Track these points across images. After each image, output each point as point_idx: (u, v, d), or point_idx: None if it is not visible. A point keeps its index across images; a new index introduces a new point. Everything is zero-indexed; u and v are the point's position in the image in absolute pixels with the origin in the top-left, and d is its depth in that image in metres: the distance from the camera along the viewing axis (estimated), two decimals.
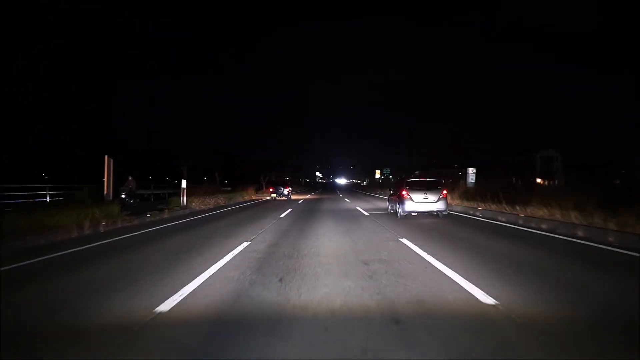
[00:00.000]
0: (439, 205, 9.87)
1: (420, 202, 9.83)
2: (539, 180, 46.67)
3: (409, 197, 9.88)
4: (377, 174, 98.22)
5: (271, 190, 23.61)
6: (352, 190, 43.14)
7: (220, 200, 18.30)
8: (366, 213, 12.01)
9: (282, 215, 11.46)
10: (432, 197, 9.85)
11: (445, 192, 10.19)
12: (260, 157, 42.70)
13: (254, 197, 25.21)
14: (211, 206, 15.97)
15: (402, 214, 10.06)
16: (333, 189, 56.47)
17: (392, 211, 11.47)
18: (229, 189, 28.24)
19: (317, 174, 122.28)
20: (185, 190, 14.59)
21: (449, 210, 10.77)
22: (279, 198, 22.54)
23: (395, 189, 11.63)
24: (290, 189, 24.29)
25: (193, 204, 15.09)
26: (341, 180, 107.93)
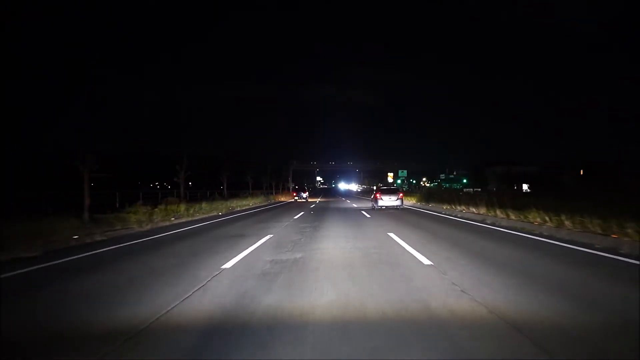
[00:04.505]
0: (398, 202, 17.04)
1: (386, 200, 16.99)
2: None
3: (380, 197, 17.07)
4: (390, 178, 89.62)
5: (294, 194, 33.12)
6: (358, 197, 43.38)
7: None
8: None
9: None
10: (394, 197, 17.01)
11: (401, 194, 17.42)
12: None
13: None
14: None
15: (376, 207, 17.26)
16: (335, 194, 54.93)
17: (371, 207, 18.63)
18: None
19: (318, 178, 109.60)
20: None
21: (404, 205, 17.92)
22: (300, 200, 30.95)
23: (374, 192, 18.85)
24: (308, 193, 33.99)
25: None
26: (349, 185, 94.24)
